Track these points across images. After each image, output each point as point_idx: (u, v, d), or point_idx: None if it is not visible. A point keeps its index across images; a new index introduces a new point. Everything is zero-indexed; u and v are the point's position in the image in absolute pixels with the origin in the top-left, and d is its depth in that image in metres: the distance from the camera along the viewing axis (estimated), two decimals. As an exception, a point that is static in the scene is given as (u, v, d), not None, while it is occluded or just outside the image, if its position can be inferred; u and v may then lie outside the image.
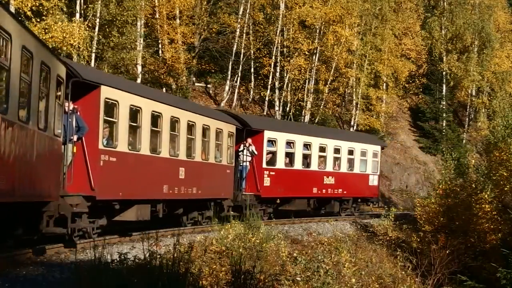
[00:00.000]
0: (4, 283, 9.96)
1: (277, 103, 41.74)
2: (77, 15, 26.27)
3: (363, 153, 31.17)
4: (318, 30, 41.91)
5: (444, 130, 52.60)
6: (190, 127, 20.07)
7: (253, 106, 42.84)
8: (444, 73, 54.48)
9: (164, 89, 35.29)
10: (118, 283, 9.11)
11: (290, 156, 26.48)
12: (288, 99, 41.19)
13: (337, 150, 29.28)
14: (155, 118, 17.80)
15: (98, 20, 27.16)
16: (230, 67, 39.19)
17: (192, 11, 36.64)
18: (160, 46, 34.82)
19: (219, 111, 25.97)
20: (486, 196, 25.01)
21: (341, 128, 48.61)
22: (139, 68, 31.44)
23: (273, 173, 25.11)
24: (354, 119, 47.31)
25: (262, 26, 40.85)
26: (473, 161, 31.45)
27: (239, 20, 39.04)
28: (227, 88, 40.19)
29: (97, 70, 23.78)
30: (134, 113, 16.69)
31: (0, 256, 11.58)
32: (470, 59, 53.85)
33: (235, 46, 38.89)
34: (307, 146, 27.32)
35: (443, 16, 55.55)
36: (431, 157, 51.82)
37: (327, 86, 43.23)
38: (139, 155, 16.98)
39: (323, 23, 41.69)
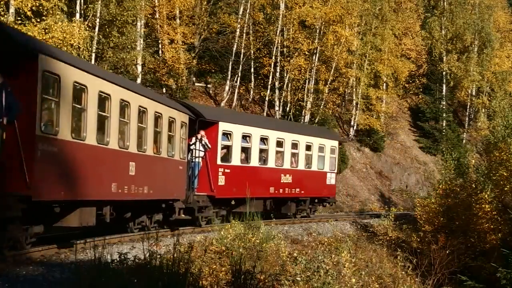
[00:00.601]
0: (4, 283, 9.95)
1: (277, 103, 41.74)
2: (77, 15, 26.27)
3: (321, 149, 28.34)
4: (318, 30, 41.91)
5: (444, 130, 52.62)
6: (142, 113, 16.96)
7: (253, 106, 42.84)
8: (444, 73, 54.50)
9: (164, 89, 35.32)
10: (118, 283, 9.11)
11: (246, 151, 23.74)
12: (288, 99, 41.20)
13: (294, 145, 26.50)
14: (103, 100, 14.65)
15: (98, 20, 27.16)
16: (230, 67, 39.19)
17: (192, 11, 36.64)
18: (160, 46, 34.81)
19: (169, 98, 23.04)
20: (486, 196, 25.03)
21: (341, 129, 48.64)
22: (139, 68, 31.44)
23: (228, 170, 22.26)
24: (354, 119, 47.33)
25: (262, 26, 40.84)
26: (473, 161, 31.43)
27: (239, 20, 39.04)
28: (227, 88, 40.18)
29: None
30: (79, 92, 13.57)
31: (0, 256, 11.58)
32: (470, 59, 53.89)
33: (235, 46, 38.88)
34: (264, 140, 24.62)
35: (443, 16, 55.56)
36: (431, 157, 51.83)
37: (327, 86, 43.23)
38: (84, 145, 13.77)
39: (323, 23, 41.70)
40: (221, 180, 21.89)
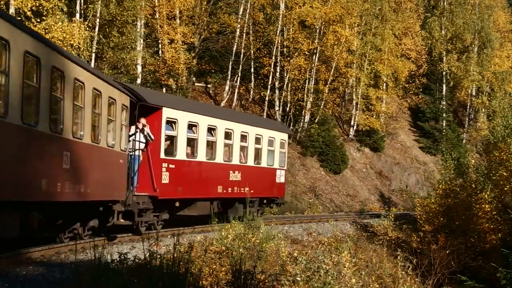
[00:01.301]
0: (4, 283, 9.95)
1: (277, 103, 41.76)
2: (77, 15, 26.28)
3: (271, 142, 25.03)
4: (318, 30, 41.93)
5: (444, 130, 52.65)
6: (77, 89, 13.47)
7: (253, 106, 42.85)
8: (444, 73, 54.54)
9: (164, 89, 35.31)
10: (118, 283, 9.11)
11: (192, 143, 20.16)
12: (288, 99, 41.22)
13: (243, 138, 23.02)
14: (31, 66, 11.27)
15: (98, 20, 27.16)
16: (230, 67, 39.20)
17: (192, 11, 36.65)
18: (160, 46, 34.82)
19: (107, 77, 17.90)
20: (486, 196, 25.04)
21: (341, 129, 48.66)
22: (139, 68, 31.45)
23: (173, 166, 18.82)
24: (354, 119, 47.34)
25: (262, 26, 40.86)
26: (473, 161, 31.45)
27: (239, 20, 39.06)
28: (227, 88, 40.20)
29: None
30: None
31: (0, 256, 11.58)
32: (470, 59, 53.95)
33: (235, 46, 38.90)
34: (211, 131, 21.05)
35: (443, 16, 55.60)
36: (431, 157, 51.87)
37: (327, 86, 43.25)
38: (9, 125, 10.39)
39: (323, 23, 41.73)
40: (165, 178, 18.46)
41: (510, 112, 27.88)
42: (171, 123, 18.90)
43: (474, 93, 56.84)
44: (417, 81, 54.40)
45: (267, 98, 40.56)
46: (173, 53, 33.98)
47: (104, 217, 15.98)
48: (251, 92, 42.71)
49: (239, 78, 40.39)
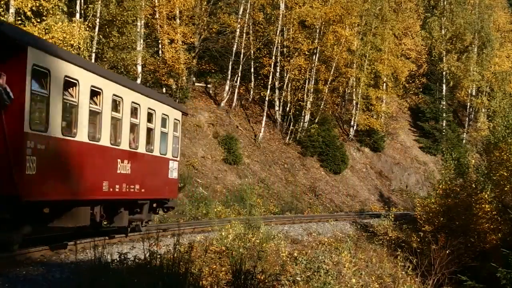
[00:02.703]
0: (4, 283, 9.95)
1: (277, 103, 41.78)
2: (77, 15, 26.27)
3: (164, 122, 18.17)
4: (318, 30, 41.94)
5: (444, 130, 52.65)
6: None
7: (253, 106, 42.85)
8: (444, 73, 54.53)
9: (164, 89, 35.32)
10: (118, 283, 9.10)
11: (70, 112, 13.14)
12: (288, 99, 41.22)
13: (134, 111, 16.09)
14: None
15: (98, 20, 27.16)
16: (230, 67, 39.20)
17: (192, 11, 36.65)
18: (160, 46, 34.82)
19: None
20: (486, 196, 25.04)
21: (341, 129, 48.66)
22: (139, 68, 31.44)
23: (43, 146, 11.96)
24: (354, 119, 47.34)
25: (262, 26, 40.87)
26: (473, 161, 31.46)
27: (239, 20, 39.07)
28: (227, 88, 40.20)
29: None
30: None
31: (0, 256, 11.57)
32: (470, 59, 53.96)
33: (235, 46, 38.90)
34: (96, 95, 13.98)
35: (443, 16, 55.61)
36: (431, 157, 51.87)
37: (327, 86, 43.25)
38: None
39: (323, 23, 41.73)
40: (31, 166, 11.56)
41: (511, 112, 27.87)
42: (41, 76, 11.91)
43: (474, 93, 56.84)
44: (417, 81, 54.40)
45: (267, 98, 40.55)
46: (173, 53, 33.97)
47: None
48: (251, 92, 42.70)
49: (239, 78, 40.39)
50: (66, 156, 12.93)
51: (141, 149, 16.54)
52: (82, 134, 13.38)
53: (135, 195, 16.32)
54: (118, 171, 15.24)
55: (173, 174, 19.19)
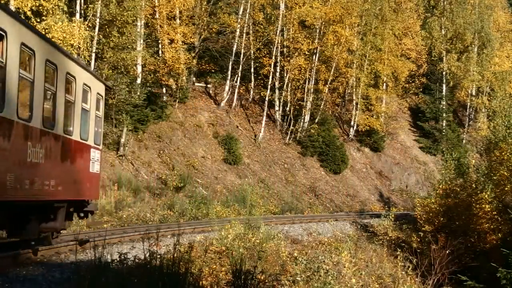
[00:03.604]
0: (4, 283, 9.95)
1: (277, 103, 41.79)
2: (77, 15, 26.28)
3: (85, 95, 13.86)
4: (318, 30, 41.94)
5: (444, 130, 52.65)
6: None
7: (253, 106, 42.85)
8: (444, 73, 54.53)
9: (164, 89, 35.34)
10: (118, 283, 9.10)
11: None
12: (288, 99, 41.23)
13: (51, 73, 11.77)
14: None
15: (98, 20, 27.16)
16: (230, 67, 39.21)
17: (192, 11, 36.66)
18: (160, 46, 34.83)
19: None
20: (486, 196, 25.03)
21: (341, 129, 48.66)
22: (139, 68, 31.44)
23: None
24: (354, 119, 47.33)
25: (262, 26, 40.87)
26: (473, 161, 31.44)
27: (239, 20, 39.07)
28: (227, 88, 40.21)
29: None
30: None
31: (0, 256, 11.58)
32: (470, 59, 53.95)
33: (235, 46, 38.91)
34: None
35: (443, 16, 55.60)
36: (431, 157, 51.86)
37: (327, 86, 43.26)
38: None
39: (323, 23, 41.73)
40: None
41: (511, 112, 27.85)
42: None
43: (474, 93, 56.84)
44: (417, 81, 54.39)
45: (267, 98, 40.56)
46: (173, 53, 33.98)
47: None
48: (251, 92, 42.70)
49: (239, 78, 40.39)
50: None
51: (58, 129, 12.03)
52: None
53: (51, 194, 11.83)
54: (29, 159, 10.67)
55: (95, 167, 14.95)
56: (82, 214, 14.76)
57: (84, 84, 13.60)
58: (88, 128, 14.23)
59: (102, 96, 15.32)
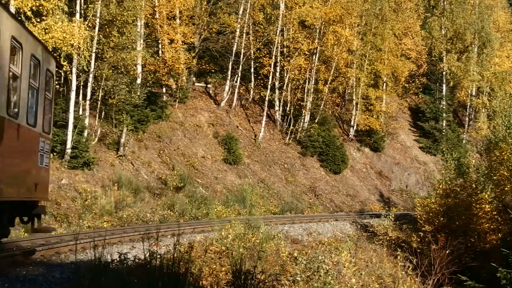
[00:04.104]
0: (4, 283, 9.95)
1: (277, 103, 41.78)
2: (77, 15, 26.27)
3: (35, 70, 11.33)
4: (318, 30, 41.94)
5: (444, 130, 52.64)
6: None
7: (253, 106, 42.85)
8: (444, 73, 54.52)
9: (164, 89, 35.33)
10: (118, 283, 9.10)
11: None
12: (288, 99, 41.23)
13: None
14: None
15: (98, 20, 27.16)
16: (230, 67, 39.22)
17: (192, 11, 36.66)
18: (160, 46, 34.83)
19: None
20: (486, 196, 25.02)
21: (341, 129, 48.64)
22: (139, 68, 31.44)
23: None
24: (354, 119, 47.33)
25: (262, 26, 40.88)
26: (473, 161, 31.43)
27: (239, 20, 39.08)
28: (227, 88, 40.21)
29: None
30: None
31: (0, 256, 11.57)
32: (470, 59, 53.94)
33: (235, 46, 38.92)
34: None
35: (443, 16, 55.59)
36: (431, 157, 51.84)
37: (327, 86, 43.26)
38: None
39: (323, 23, 41.73)
40: None
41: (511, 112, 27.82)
42: None
43: (474, 93, 56.83)
44: (417, 81, 54.39)
45: (267, 98, 40.56)
46: (173, 53, 33.98)
47: None
48: (251, 92, 42.71)
49: (239, 78, 40.40)
50: None
51: (0, 111, 9.41)
52: None
53: None
54: None
55: (44, 160, 12.15)
56: (26, 219, 12.17)
57: (33, 56, 10.91)
58: (36, 112, 11.42)
59: (53, 75, 12.60)
